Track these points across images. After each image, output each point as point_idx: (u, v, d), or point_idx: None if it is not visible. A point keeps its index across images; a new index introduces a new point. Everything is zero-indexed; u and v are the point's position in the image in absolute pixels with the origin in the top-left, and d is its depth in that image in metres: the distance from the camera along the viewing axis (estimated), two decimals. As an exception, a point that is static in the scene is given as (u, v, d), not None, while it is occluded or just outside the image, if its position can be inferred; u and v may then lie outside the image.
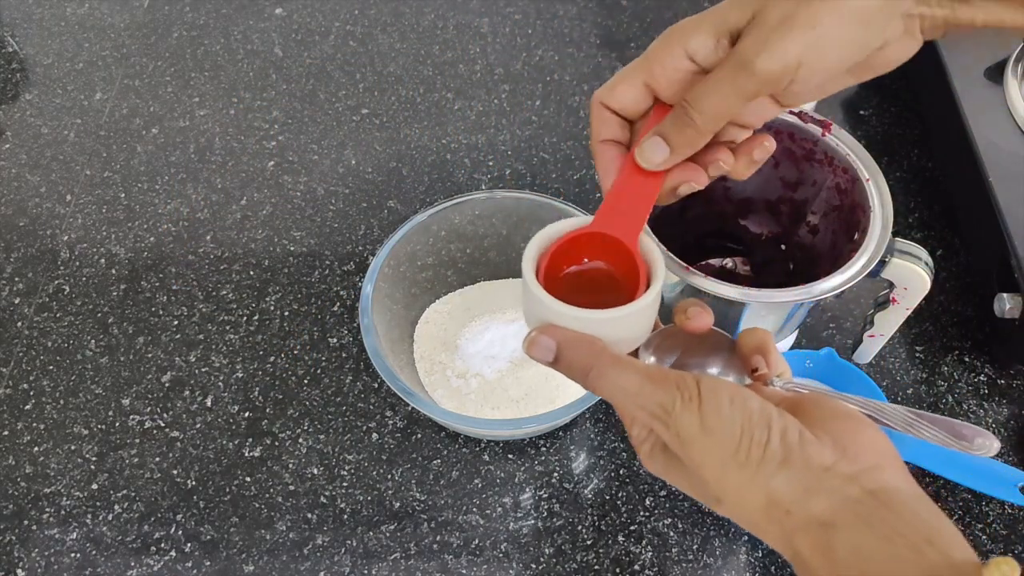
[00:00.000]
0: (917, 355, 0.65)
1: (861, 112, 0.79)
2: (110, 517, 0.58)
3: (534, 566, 0.56)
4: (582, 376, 0.36)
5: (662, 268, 0.37)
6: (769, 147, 0.39)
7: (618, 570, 0.56)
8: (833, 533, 0.30)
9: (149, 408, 0.63)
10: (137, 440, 0.61)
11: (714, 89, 0.35)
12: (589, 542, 0.57)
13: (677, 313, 0.38)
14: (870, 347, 0.59)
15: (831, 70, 0.35)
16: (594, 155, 0.40)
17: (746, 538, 0.57)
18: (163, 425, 0.62)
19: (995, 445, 0.37)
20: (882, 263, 0.50)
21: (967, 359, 0.65)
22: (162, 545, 0.57)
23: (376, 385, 0.63)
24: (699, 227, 0.63)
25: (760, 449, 0.31)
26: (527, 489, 0.59)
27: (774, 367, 0.37)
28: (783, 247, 0.62)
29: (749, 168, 0.40)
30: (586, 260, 0.39)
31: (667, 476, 0.35)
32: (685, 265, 0.50)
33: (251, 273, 0.69)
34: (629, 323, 0.36)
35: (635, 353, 0.39)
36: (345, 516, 0.58)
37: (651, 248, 0.38)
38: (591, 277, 0.39)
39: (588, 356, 0.35)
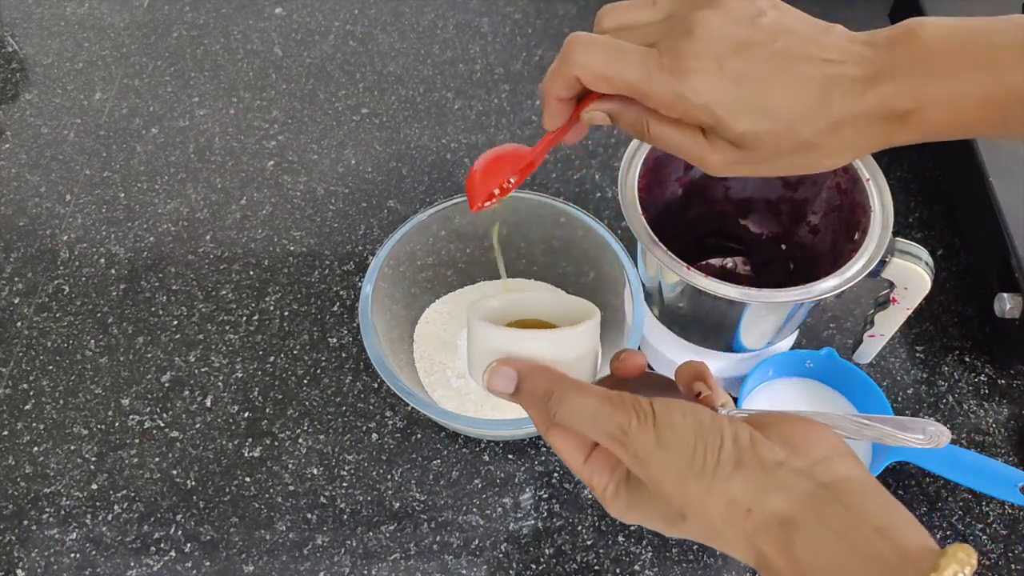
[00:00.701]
0: (917, 355, 0.65)
1: (861, 112, 0.79)
2: (110, 517, 0.58)
3: (534, 566, 0.56)
4: (543, 401, 0.36)
5: (596, 312, 0.41)
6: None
7: (618, 570, 0.56)
8: (792, 530, 0.30)
9: (149, 408, 0.63)
10: (137, 440, 0.61)
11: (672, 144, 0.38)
12: (589, 542, 0.57)
13: (612, 362, 0.40)
14: (870, 347, 0.59)
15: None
16: (546, 102, 0.40)
17: (746, 538, 0.57)
18: (163, 425, 0.62)
19: (946, 435, 0.38)
20: (882, 263, 0.50)
21: (967, 359, 0.65)
22: (162, 545, 0.57)
23: (376, 385, 0.63)
24: (699, 227, 0.63)
25: (715, 455, 0.32)
26: (527, 489, 0.59)
27: (717, 394, 0.38)
28: (783, 247, 0.62)
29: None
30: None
31: (632, 512, 0.36)
32: (685, 265, 0.50)
33: (251, 273, 0.69)
34: (575, 343, 0.39)
35: None
36: (345, 516, 0.58)
37: (585, 303, 0.42)
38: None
39: (549, 381, 0.37)
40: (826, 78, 0.35)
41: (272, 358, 0.65)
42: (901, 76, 0.35)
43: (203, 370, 0.64)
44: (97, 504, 0.58)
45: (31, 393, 0.63)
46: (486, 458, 0.60)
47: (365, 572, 0.56)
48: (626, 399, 0.34)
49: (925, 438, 0.39)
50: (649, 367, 0.43)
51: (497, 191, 0.42)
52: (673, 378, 0.40)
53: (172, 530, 0.57)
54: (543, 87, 0.39)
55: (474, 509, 0.58)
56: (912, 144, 0.37)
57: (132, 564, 0.56)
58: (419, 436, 0.61)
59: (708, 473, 0.32)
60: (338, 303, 0.68)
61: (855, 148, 0.37)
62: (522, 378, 0.37)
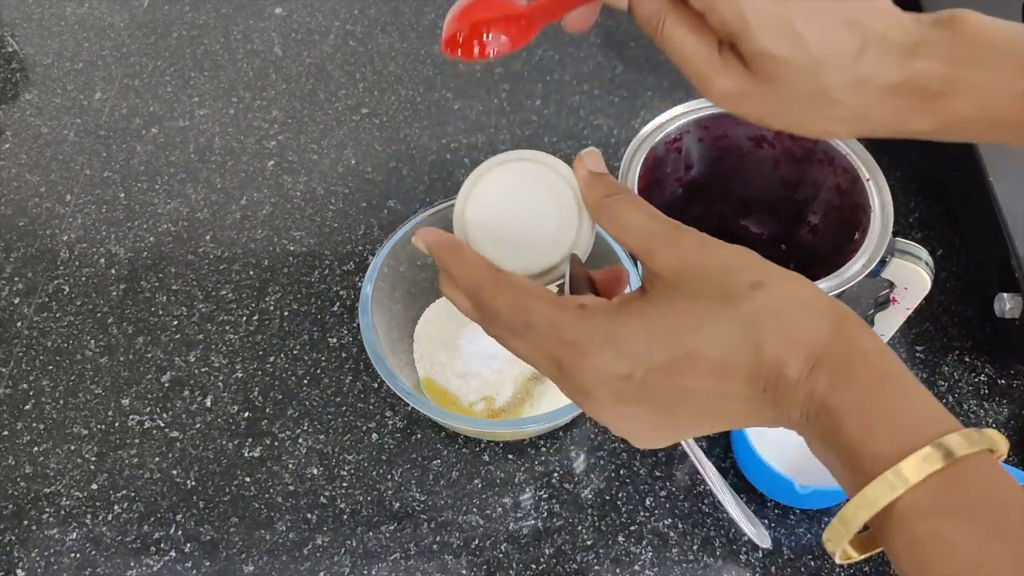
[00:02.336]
0: (917, 355, 0.65)
1: (861, 112, 0.79)
2: (110, 517, 0.58)
3: (534, 566, 0.56)
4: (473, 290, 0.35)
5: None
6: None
7: (618, 570, 0.56)
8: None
9: (149, 408, 0.63)
10: (137, 440, 0.61)
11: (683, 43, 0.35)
12: (589, 542, 0.57)
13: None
14: (870, 347, 0.59)
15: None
16: None
17: (746, 538, 0.57)
18: (163, 425, 0.62)
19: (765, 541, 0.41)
20: (882, 263, 0.50)
21: (967, 359, 0.65)
22: (162, 545, 0.57)
23: (376, 385, 0.63)
24: (699, 227, 0.63)
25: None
26: (527, 489, 0.59)
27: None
28: (783, 247, 0.62)
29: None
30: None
31: (645, 316, 0.32)
32: (685, 265, 0.50)
33: (251, 273, 0.69)
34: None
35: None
36: (345, 516, 0.58)
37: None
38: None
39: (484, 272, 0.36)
40: (867, 32, 0.34)
41: (272, 358, 0.65)
42: (938, 55, 0.34)
43: (203, 370, 0.64)
44: (97, 504, 0.58)
45: (31, 393, 0.63)
46: (486, 458, 0.60)
47: (365, 572, 0.56)
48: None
49: (755, 531, 0.42)
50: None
51: (477, 43, 0.37)
52: None
53: (172, 530, 0.57)
54: None
55: (474, 509, 0.58)
56: (923, 139, 0.36)
57: (132, 564, 0.56)
58: (419, 436, 0.61)
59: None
60: (338, 303, 0.68)
61: (868, 120, 0.35)
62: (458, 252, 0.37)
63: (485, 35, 0.37)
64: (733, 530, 0.57)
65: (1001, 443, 0.29)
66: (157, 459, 0.60)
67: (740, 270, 0.32)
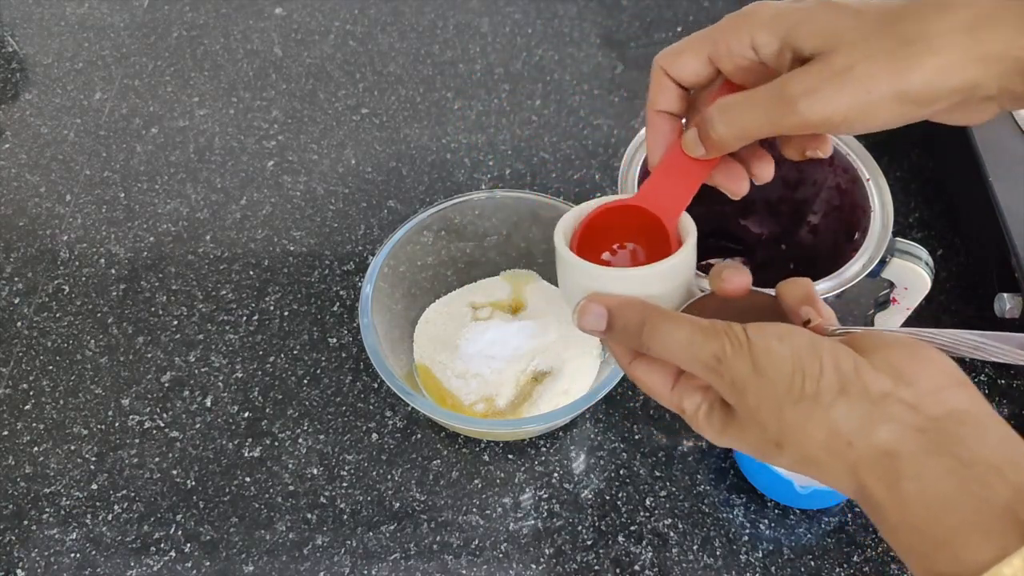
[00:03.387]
0: (917, 355, 0.65)
1: (861, 112, 0.79)
2: (110, 517, 0.58)
3: (534, 566, 0.56)
4: (636, 335, 0.35)
5: (693, 226, 0.38)
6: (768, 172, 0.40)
7: (618, 570, 0.56)
8: (898, 463, 0.29)
9: (149, 408, 0.63)
10: (137, 440, 0.61)
11: (748, 109, 0.35)
12: (589, 542, 0.57)
13: (712, 278, 0.37)
14: (870, 347, 0.59)
15: (874, 128, 0.35)
16: (647, 124, 0.39)
17: (746, 538, 0.57)
18: (163, 425, 0.62)
19: None
20: (882, 263, 0.50)
21: (967, 359, 0.64)
22: (162, 545, 0.57)
23: (376, 385, 0.63)
24: (699, 227, 0.63)
25: (814, 383, 0.30)
26: (527, 489, 0.59)
27: (826, 317, 0.35)
28: (783, 247, 0.62)
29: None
30: (619, 242, 0.40)
31: (726, 436, 0.34)
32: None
33: (251, 273, 0.69)
34: (669, 278, 0.37)
35: None
36: (345, 516, 0.58)
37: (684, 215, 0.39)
38: (622, 254, 0.40)
39: (640, 314, 0.35)
40: None
41: (272, 358, 0.65)
42: None
43: (203, 370, 0.64)
44: (97, 504, 0.58)
45: (31, 393, 0.63)
46: (486, 458, 0.60)
47: (365, 572, 0.56)
48: (719, 327, 0.33)
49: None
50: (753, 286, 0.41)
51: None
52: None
53: (172, 530, 0.57)
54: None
55: (474, 509, 0.58)
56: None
57: (132, 564, 0.56)
58: (419, 436, 0.61)
59: (807, 401, 0.30)
60: (338, 303, 0.68)
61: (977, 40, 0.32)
62: (612, 315, 0.36)
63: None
64: (733, 530, 0.57)
65: None
66: (157, 459, 0.60)
67: (762, 430, 0.32)
